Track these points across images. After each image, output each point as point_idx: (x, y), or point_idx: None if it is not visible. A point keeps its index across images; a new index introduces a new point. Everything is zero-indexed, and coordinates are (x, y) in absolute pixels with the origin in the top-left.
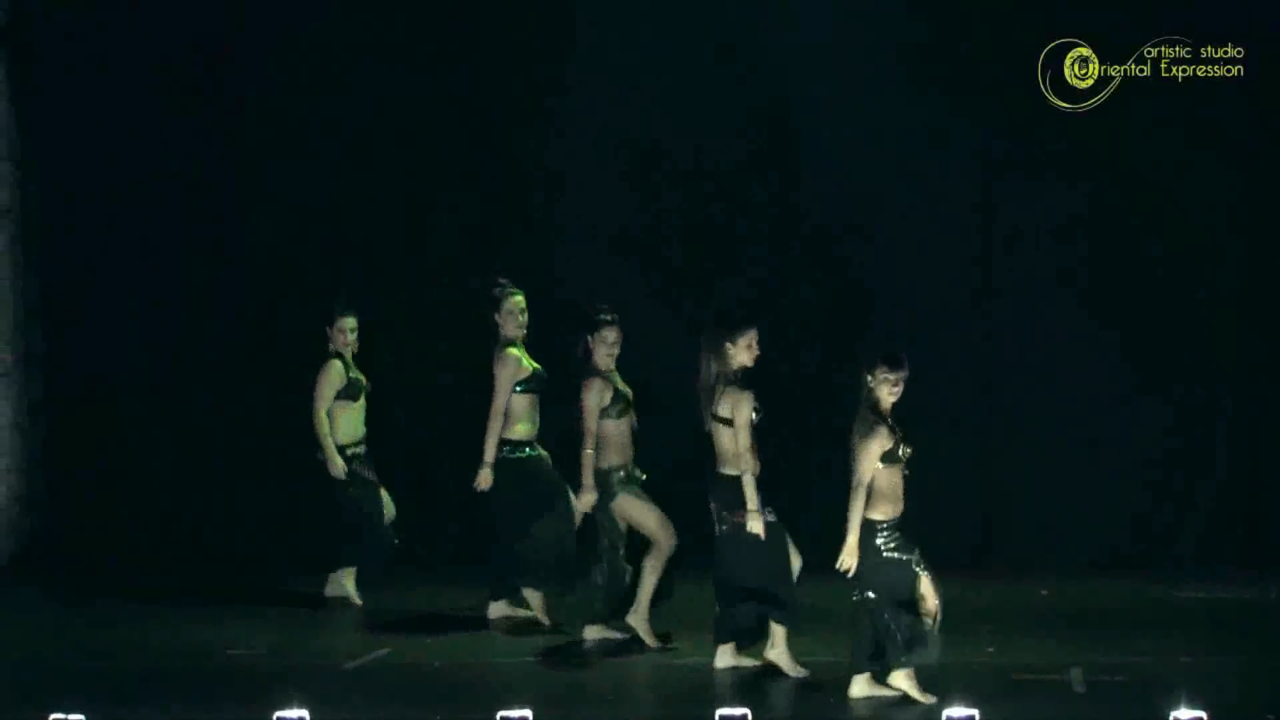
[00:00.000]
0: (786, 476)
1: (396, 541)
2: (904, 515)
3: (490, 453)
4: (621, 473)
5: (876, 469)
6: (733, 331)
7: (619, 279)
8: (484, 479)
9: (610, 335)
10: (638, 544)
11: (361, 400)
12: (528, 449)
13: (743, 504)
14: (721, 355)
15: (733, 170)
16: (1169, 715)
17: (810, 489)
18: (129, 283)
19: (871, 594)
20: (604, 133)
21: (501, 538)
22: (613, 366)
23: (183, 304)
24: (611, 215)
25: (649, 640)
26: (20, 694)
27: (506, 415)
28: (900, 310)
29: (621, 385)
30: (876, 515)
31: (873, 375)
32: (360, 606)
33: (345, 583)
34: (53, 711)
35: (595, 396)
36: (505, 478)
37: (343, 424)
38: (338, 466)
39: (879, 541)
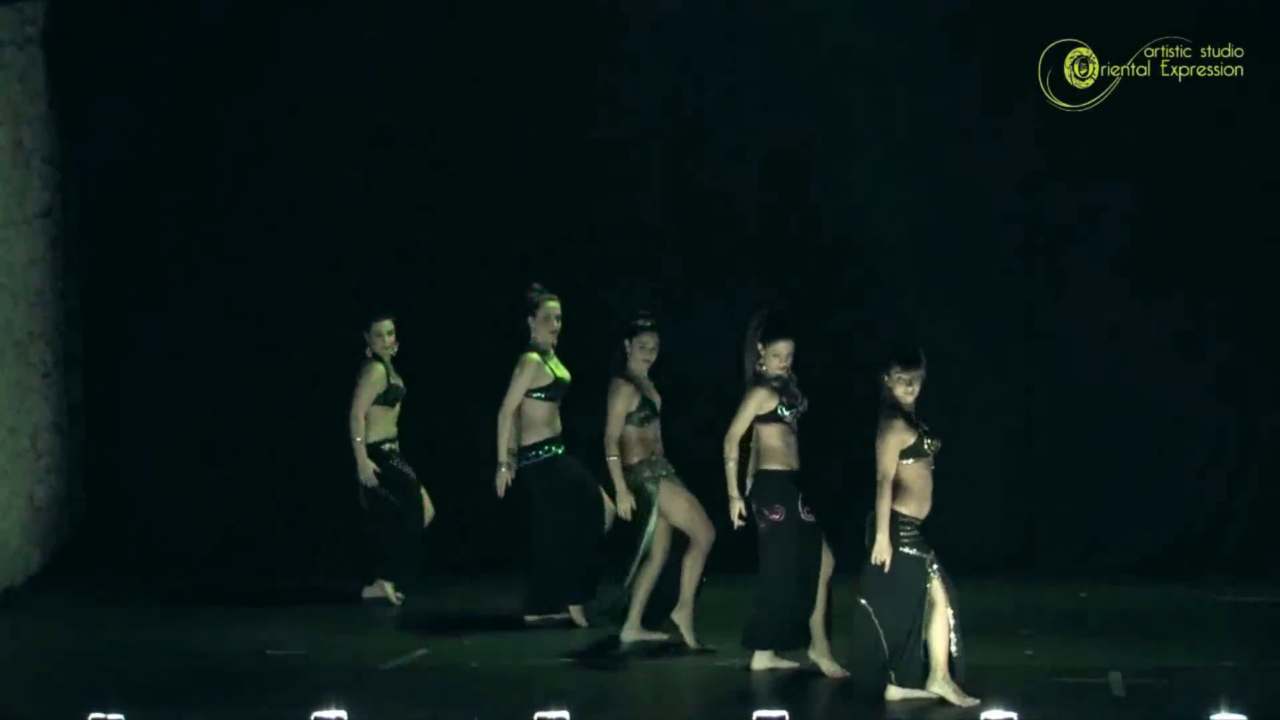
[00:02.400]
0: (819, 478)
1: (426, 531)
2: (928, 517)
3: (502, 453)
4: (647, 470)
5: (902, 465)
6: (767, 337)
7: (652, 278)
8: (501, 481)
9: (649, 342)
10: (678, 543)
11: (398, 407)
12: (551, 446)
13: (776, 499)
14: (752, 353)
15: (753, 170)
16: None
17: (840, 492)
18: (168, 285)
19: (866, 602)
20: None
21: (542, 548)
22: (645, 373)
23: (220, 306)
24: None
25: (689, 639)
26: (59, 694)
27: (525, 421)
28: (931, 312)
29: (650, 394)
30: (902, 509)
31: (888, 374)
32: (398, 607)
33: (383, 584)
34: (92, 711)
35: (624, 402)
36: (536, 482)
37: (379, 424)
38: (367, 471)
39: (899, 535)
